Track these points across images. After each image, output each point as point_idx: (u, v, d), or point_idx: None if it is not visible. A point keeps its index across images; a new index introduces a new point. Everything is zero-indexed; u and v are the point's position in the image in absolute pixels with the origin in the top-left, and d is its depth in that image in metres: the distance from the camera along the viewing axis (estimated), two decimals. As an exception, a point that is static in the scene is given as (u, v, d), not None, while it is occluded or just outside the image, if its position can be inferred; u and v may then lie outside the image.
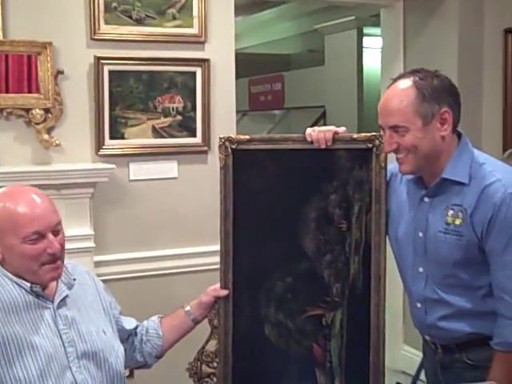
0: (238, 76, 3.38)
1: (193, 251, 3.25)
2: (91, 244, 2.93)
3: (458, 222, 1.96)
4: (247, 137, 2.23)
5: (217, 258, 3.19)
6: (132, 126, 3.11)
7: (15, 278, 1.89)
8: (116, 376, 1.99)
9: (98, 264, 2.95)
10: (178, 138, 3.20)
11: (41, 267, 1.87)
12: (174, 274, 3.22)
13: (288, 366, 2.26)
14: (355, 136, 2.15)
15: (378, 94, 4.01)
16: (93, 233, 2.94)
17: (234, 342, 2.26)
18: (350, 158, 2.16)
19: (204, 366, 2.26)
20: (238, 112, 3.46)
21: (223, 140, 2.25)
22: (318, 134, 2.12)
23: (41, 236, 1.85)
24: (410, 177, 2.10)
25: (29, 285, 1.89)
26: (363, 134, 2.16)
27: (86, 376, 1.90)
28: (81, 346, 1.92)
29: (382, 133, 2.05)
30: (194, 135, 3.22)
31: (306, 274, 2.22)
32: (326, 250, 2.20)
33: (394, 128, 1.96)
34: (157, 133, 3.16)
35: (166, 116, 3.17)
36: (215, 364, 2.24)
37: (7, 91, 2.90)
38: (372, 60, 6.20)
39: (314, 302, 2.22)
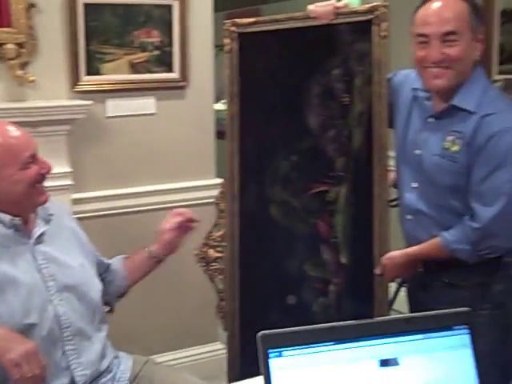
0: (215, 10, 3.32)
1: (170, 187, 3.25)
2: (69, 182, 2.91)
3: (455, 148, 1.97)
4: (252, 19, 2.27)
5: (194, 194, 3.23)
6: (108, 61, 3.05)
7: None
8: (96, 309, 2.02)
9: (76, 201, 2.94)
10: (155, 74, 3.14)
11: (34, 190, 1.91)
12: (152, 210, 3.21)
13: (293, 244, 2.31)
14: (356, 8, 2.17)
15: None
16: (71, 170, 2.92)
17: (240, 224, 2.30)
18: (352, 31, 2.18)
19: (211, 251, 2.29)
20: (215, 46, 3.41)
21: (228, 24, 2.28)
22: (320, 8, 2.17)
23: (34, 159, 1.91)
24: (421, 94, 2.10)
25: (9, 217, 1.90)
26: (364, 6, 2.16)
27: (68, 309, 1.93)
28: (61, 280, 1.94)
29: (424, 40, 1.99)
30: (172, 70, 3.18)
31: (311, 151, 2.26)
32: (330, 125, 2.23)
33: (447, 35, 1.94)
34: (134, 68, 3.10)
35: (143, 51, 3.11)
36: (222, 248, 2.29)
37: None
38: None
39: (318, 178, 2.25)
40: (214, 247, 2.31)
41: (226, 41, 2.27)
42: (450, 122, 2.00)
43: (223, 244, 2.28)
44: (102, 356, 2.00)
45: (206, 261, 2.32)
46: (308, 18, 2.19)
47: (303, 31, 2.22)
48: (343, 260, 2.25)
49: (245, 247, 2.32)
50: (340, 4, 2.17)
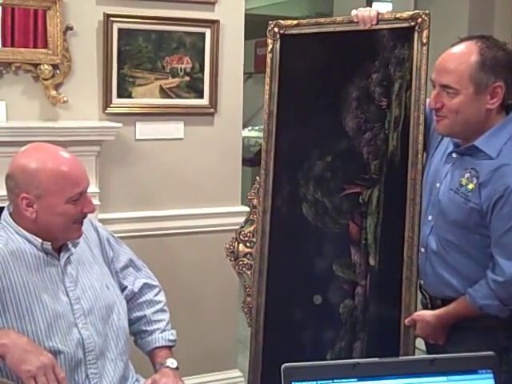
0: (245, 38, 3.36)
1: (195, 212, 3.27)
2: (96, 202, 2.93)
3: (470, 186, 1.97)
4: (295, 22, 2.34)
5: (219, 220, 3.25)
6: (140, 85, 3.10)
7: (28, 235, 1.91)
8: (120, 330, 2.02)
9: (102, 222, 2.94)
10: (185, 99, 3.19)
11: (73, 225, 1.92)
12: (176, 234, 3.24)
13: (323, 244, 2.32)
14: (398, 15, 2.20)
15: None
16: (98, 191, 2.95)
17: (271, 221, 2.33)
18: (393, 36, 2.21)
19: (241, 246, 2.34)
20: (243, 74, 3.45)
21: (272, 25, 2.36)
22: (363, 13, 2.21)
23: (82, 196, 1.90)
24: None
25: (40, 241, 1.91)
26: (407, 13, 2.19)
27: (92, 332, 1.93)
28: (86, 303, 1.95)
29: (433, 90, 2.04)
30: (202, 97, 3.22)
31: (345, 153, 2.28)
32: (366, 128, 2.25)
33: (445, 87, 1.96)
34: (164, 93, 3.15)
35: (173, 76, 3.16)
36: (252, 244, 2.32)
37: (13, 45, 2.88)
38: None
39: (351, 179, 2.27)
40: (243, 242, 2.35)
41: (269, 40, 2.36)
42: (471, 159, 2.00)
43: (253, 240, 2.32)
44: (124, 380, 2.00)
45: (235, 256, 2.35)
46: (350, 22, 2.24)
47: (344, 35, 2.27)
48: (372, 262, 2.26)
49: (274, 244, 2.34)
50: (383, 10, 2.21)
